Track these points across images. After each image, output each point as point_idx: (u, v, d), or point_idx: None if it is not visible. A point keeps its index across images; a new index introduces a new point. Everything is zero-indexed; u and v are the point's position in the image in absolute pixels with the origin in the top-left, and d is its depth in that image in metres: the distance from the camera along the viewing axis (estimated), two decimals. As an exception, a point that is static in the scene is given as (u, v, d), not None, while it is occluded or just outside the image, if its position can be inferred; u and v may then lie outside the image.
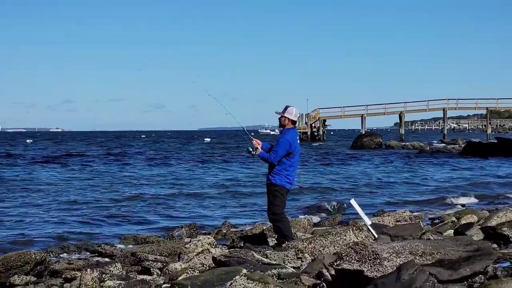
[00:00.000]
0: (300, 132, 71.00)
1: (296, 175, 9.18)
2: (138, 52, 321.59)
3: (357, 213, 9.08)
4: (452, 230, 10.47)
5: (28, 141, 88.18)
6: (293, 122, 8.75)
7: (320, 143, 65.67)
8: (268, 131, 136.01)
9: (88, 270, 6.85)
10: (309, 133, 69.79)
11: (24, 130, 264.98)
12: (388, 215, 11.39)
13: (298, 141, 8.86)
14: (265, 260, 7.47)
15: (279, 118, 8.85)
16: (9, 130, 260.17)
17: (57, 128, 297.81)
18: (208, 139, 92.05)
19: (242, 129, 9.44)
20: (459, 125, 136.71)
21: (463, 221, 11.36)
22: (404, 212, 11.55)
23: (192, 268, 7.20)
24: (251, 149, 8.78)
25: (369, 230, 8.88)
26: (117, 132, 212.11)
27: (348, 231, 8.68)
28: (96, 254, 9.91)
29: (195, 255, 7.87)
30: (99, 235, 12.56)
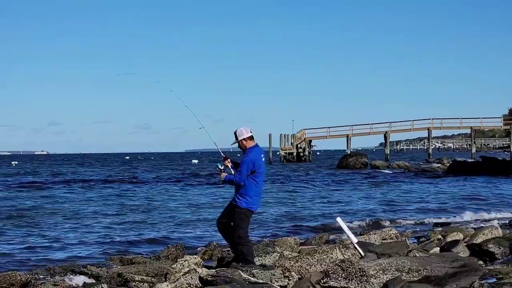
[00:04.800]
0: (286, 153, 71.10)
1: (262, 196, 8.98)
2: (124, 71, 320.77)
3: (344, 231, 9.11)
4: (438, 248, 10.52)
5: (13, 163, 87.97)
6: (250, 138, 8.62)
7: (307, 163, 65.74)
8: None
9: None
10: (295, 153, 69.91)
11: (9, 153, 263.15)
12: (374, 233, 11.41)
13: (263, 159, 8.66)
14: (252, 279, 7.46)
15: (238, 146, 8.71)
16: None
17: (42, 151, 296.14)
18: (196, 161, 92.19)
19: (215, 146, 9.19)
20: (444, 145, 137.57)
21: (449, 239, 11.42)
22: (390, 230, 11.58)
23: (179, 288, 7.17)
24: (220, 166, 8.70)
25: (356, 248, 8.91)
26: (102, 155, 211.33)
27: (335, 249, 8.69)
28: (83, 276, 9.82)
29: (182, 275, 7.84)
30: (85, 256, 12.48)
